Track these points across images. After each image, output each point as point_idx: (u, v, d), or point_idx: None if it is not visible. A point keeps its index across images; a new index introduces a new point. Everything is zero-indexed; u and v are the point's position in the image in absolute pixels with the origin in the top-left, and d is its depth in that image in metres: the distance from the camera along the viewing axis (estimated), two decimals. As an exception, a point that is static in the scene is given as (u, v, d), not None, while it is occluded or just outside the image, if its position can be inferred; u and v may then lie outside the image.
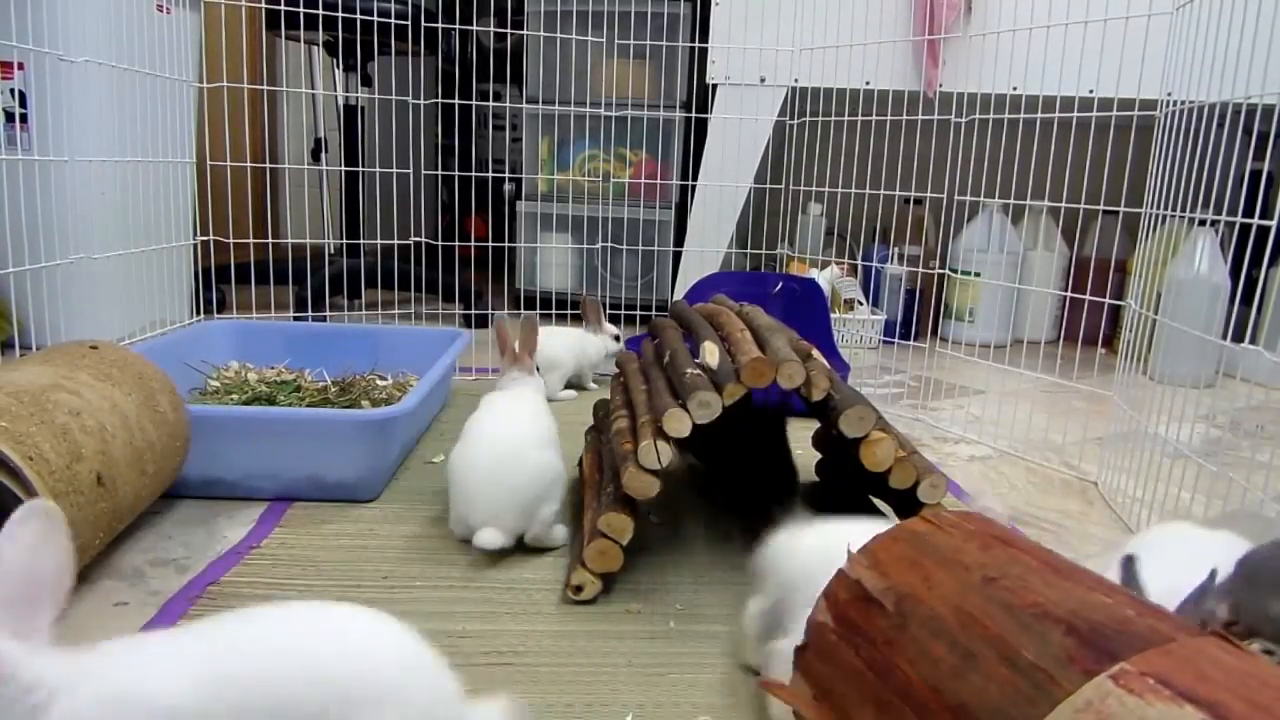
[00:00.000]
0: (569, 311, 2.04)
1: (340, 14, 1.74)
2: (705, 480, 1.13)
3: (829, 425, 0.88)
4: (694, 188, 2.09)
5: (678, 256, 2.14)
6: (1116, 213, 1.29)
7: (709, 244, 2.08)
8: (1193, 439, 1.18)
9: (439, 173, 2.20)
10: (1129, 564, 0.60)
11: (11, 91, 1.54)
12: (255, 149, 2.61)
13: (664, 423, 0.82)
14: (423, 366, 1.33)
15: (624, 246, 2.16)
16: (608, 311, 1.71)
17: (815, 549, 0.64)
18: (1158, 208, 1.14)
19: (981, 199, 1.66)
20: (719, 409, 0.82)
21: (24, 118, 1.54)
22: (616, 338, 1.66)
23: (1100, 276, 1.51)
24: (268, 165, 1.99)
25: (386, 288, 2.14)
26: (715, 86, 2.04)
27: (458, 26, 1.94)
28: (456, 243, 1.99)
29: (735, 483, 1.04)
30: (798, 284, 1.78)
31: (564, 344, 1.59)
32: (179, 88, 1.70)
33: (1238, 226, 0.96)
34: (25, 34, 1.35)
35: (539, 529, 0.90)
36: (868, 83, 1.87)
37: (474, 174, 2.01)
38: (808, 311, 1.69)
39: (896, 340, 2.10)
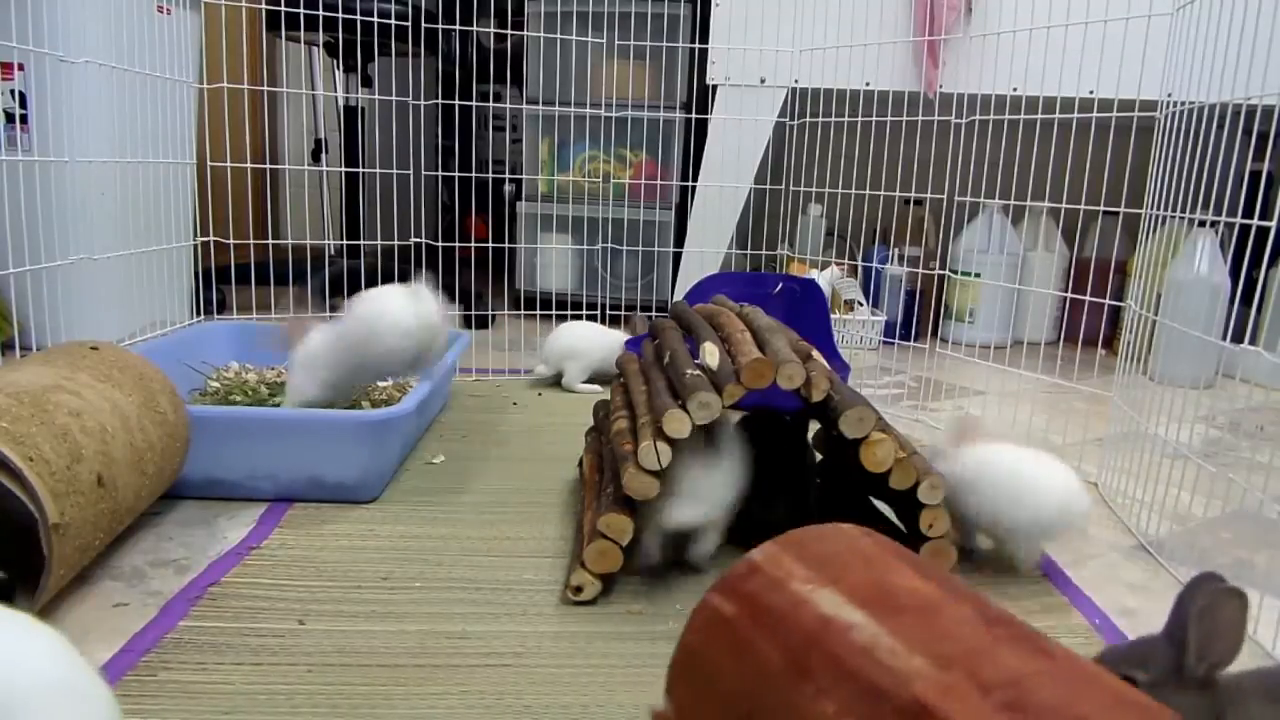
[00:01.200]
0: (568, 312, 2.04)
1: (340, 15, 1.74)
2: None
3: (829, 426, 0.88)
4: (694, 188, 2.09)
5: (678, 257, 2.14)
6: (1117, 214, 1.29)
7: (709, 245, 2.08)
8: (1193, 440, 1.18)
9: (439, 173, 2.20)
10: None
11: (12, 92, 1.54)
12: (255, 150, 2.61)
13: (664, 423, 0.82)
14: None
15: (624, 247, 2.16)
16: (608, 312, 1.71)
17: None
18: (1158, 209, 1.14)
19: (982, 200, 1.66)
20: (719, 409, 0.82)
21: (24, 118, 1.54)
22: None
23: (1100, 277, 1.51)
24: (268, 166, 1.99)
25: (387, 288, 2.13)
26: (715, 87, 2.04)
27: (458, 27, 1.94)
28: (457, 243, 1.99)
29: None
30: (798, 285, 1.78)
31: (585, 335, 1.61)
32: (179, 88, 1.70)
33: (1237, 227, 0.96)
34: (25, 35, 1.35)
35: None
36: (868, 84, 1.87)
37: (474, 175, 2.01)
38: (808, 312, 1.69)
39: (897, 341, 2.10)
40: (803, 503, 1.00)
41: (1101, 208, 1.35)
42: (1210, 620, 0.51)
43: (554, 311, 2.13)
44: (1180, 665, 0.51)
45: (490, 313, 2.16)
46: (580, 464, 1.13)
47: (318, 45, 2.19)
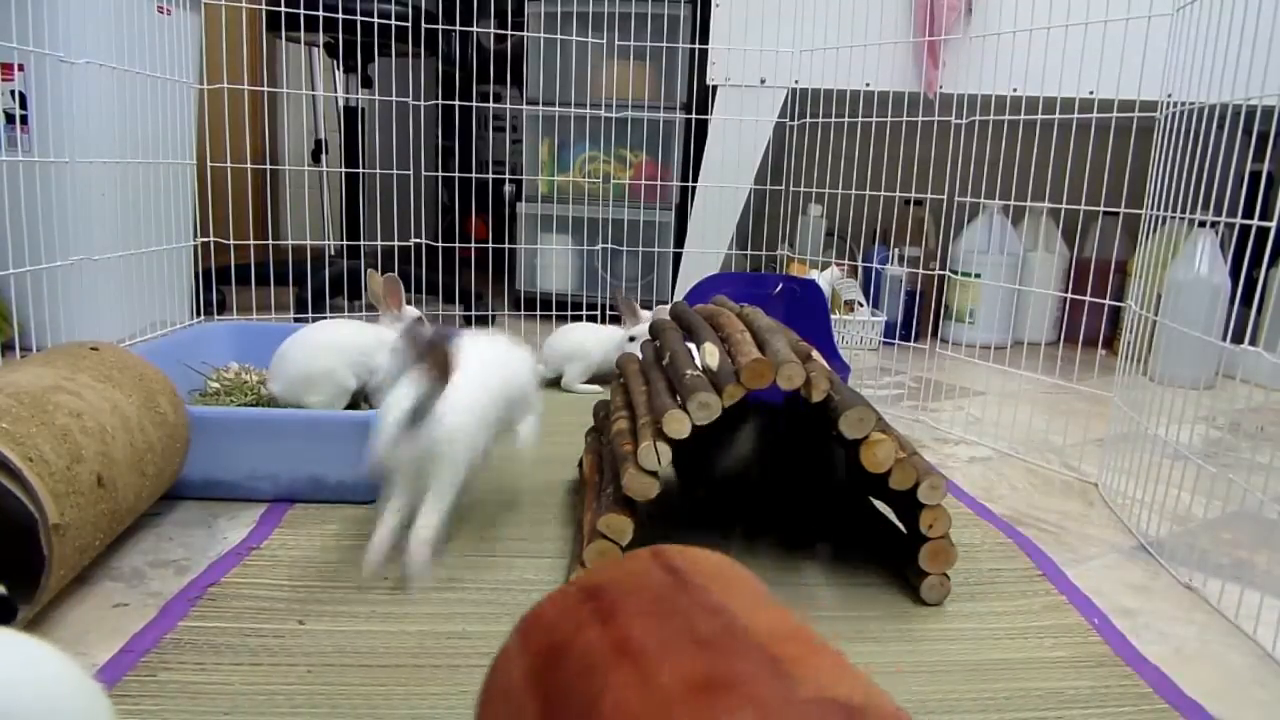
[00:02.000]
0: (569, 313, 2.04)
1: (340, 15, 1.74)
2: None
3: (829, 426, 0.88)
4: (694, 189, 2.09)
5: (678, 258, 2.14)
6: (1117, 214, 1.29)
7: (709, 245, 2.08)
8: (1193, 440, 1.18)
9: (439, 174, 2.20)
10: None
11: (12, 93, 1.54)
12: (255, 150, 2.61)
13: (664, 424, 0.82)
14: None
15: (624, 248, 2.16)
16: (608, 312, 1.70)
17: None
18: (1158, 209, 1.14)
19: (982, 200, 1.66)
20: (719, 410, 0.82)
21: (24, 119, 1.54)
22: (631, 339, 1.60)
23: (1100, 278, 1.51)
24: (268, 167, 1.99)
25: (387, 289, 2.14)
26: (715, 88, 2.04)
27: (458, 28, 1.94)
28: (457, 244, 1.99)
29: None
30: (798, 285, 1.78)
31: (586, 337, 1.62)
32: (179, 89, 1.70)
33: (1238, 228, 0.96)
34: (26, 36, 1.35)
35: None
36: (868, 84, 1.88)
37: (474, 175, 2.01)
38: (808, 313, 1.69)
39: (897, 341, 2.10)
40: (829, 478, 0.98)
41: (1101, 208, 1.35)
42: None
43: (554, 312, 2.13)
44: None
45: (490, 313, 2.16)
46: (580, 464, 1.13)
47: (318, 46, 2.19)
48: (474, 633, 0.78)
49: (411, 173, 1.98)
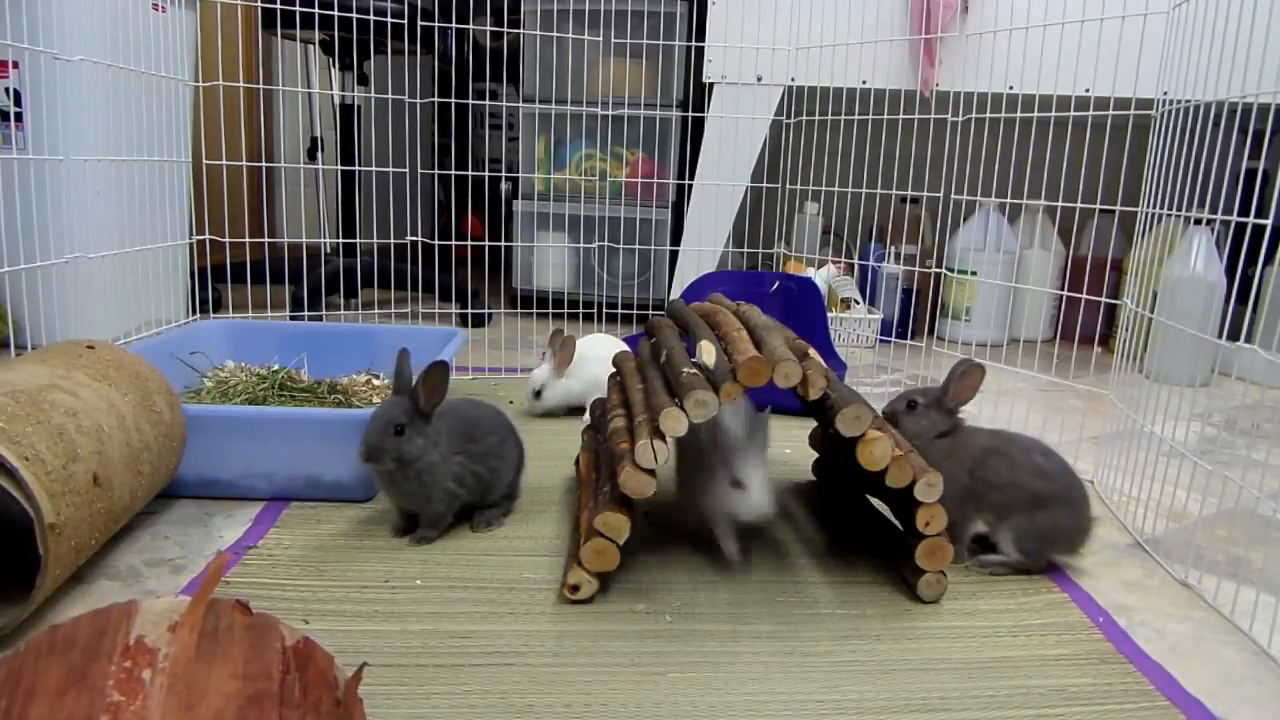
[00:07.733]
0: (565, 310, 2.04)
1: (336, 13, 1.73)
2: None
3: (826, 424, 0.88)
4: (691, 187, 2.09)
5: (675, 256, 2.14)
6: (1112, 212, 1.29)
7: (706, 243, 2.08)
8: (1188, 438, 1.18)
9: (435, 172, 2.20)
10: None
11: (6, 90, 1.53)
12: (251, 148, 2.60)
13: (661, 422, 0.82)
14: (419, 366, 1.32)
15: (621, 246, 2.16)
16: (604, 310, 1.69)
17: None
18: (1153, 207, 1.14)
19: (978, 198, 1.66)
20: (716, 408, 0.82)
21: (19, 116, 1.54)
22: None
23: (1096, 275, 1.51)
24: (264, 164, 1.99)
25: (383, 287, 2.14)
26: (712, 85, 2.04)
27: (454, 25, 1.94)
28: (453, 242, 1.99)
29: None
30: (794, 283, 1.78)
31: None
32: (175, 87, 1.70)
33: (1233, 225, 0.96)
34: (20, 32, 1.34)
35: None
36: (864, 82, 1.88)
37: (470, 173, 2.01)
38: (804, 311, 1.69)
39: (893, 339, 2.10)
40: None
41: (1097, 206, 1.35)
42: (962, 379, 1.00)
43: (550, 310, 2.13)
44: (941, 400, 1.00)
45: (487, 311, 2.16)
46: (577, 462, 1.13)
47: (314, 43, 2.19)
48: (476, 632, 0.78)
49: (408, 170, 1.98)
